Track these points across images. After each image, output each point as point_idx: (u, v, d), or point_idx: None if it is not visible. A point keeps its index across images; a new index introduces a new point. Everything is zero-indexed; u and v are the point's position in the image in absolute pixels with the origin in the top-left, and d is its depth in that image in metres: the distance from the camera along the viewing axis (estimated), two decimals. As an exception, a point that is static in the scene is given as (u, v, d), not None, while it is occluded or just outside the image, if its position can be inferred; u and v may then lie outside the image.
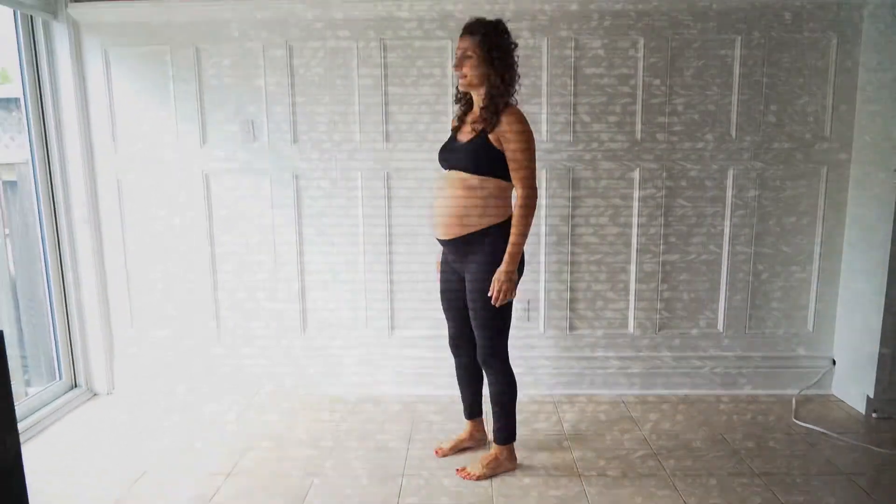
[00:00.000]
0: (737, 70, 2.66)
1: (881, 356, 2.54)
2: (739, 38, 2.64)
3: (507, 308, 2.08)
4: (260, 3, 2.63)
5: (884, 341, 2.53)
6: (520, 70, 2.09)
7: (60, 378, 2.86)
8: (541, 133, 2.67)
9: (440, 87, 2.69)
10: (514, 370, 2.18)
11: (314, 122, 2.74)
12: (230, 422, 2.63)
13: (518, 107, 2.03)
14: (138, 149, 2.79)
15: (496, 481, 2.14)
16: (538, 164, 2.08)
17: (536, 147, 2.02)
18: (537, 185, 2.03)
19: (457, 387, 2.37)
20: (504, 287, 1.99)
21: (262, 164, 2.77)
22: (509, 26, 2.10)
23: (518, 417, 2.24)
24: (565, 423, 2.59)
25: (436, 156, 2.16)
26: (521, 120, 1.97)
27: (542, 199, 2.70)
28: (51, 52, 2.68)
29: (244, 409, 2.75)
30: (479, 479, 2.15)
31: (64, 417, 2.68)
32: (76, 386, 2.91)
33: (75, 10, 2.66)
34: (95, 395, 2.92)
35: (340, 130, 2.74)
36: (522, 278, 2.10)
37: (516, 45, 2.03)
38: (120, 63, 2.73)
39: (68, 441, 2.47)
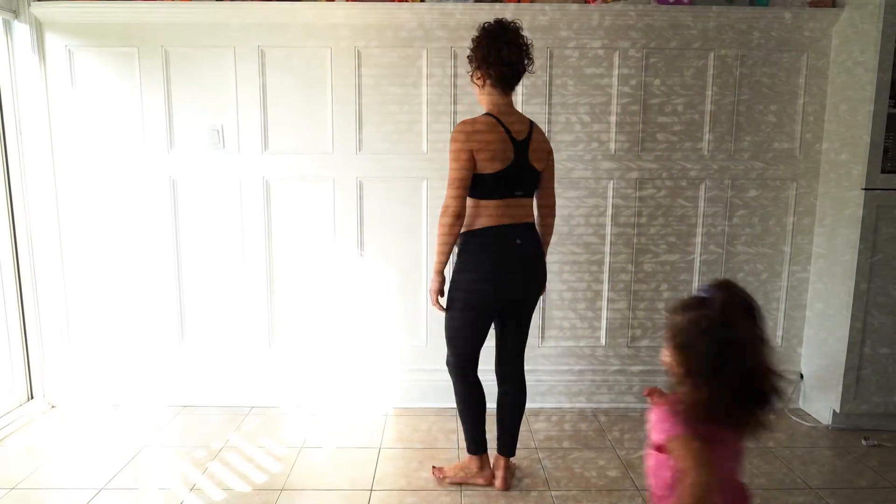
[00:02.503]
0: (710, 87, 2.69)
1: (847, 371, 2.56)
2: (712, 52, 2.67)
3: (458, 319, 2.14)
4: (231, 5, 2.58)
5: (850, 356, 2.56)
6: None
7: (15, 389, 2.75)
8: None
9: (441, 88, 2.67)
10: (483, 383, 2.16)
11: (285, 128, 2.69)
12: (187, 437, 2.55)
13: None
14: (102, 152, 2.70)
15: (466, 495, 2.10)
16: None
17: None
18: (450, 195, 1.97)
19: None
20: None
21: (231, 170, 2.71)
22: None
23: (488, 429, 2.20)
24: (537, 435, 2.56)
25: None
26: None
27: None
28: (11, 52, 2.60)
29: (197, 422, 2.67)
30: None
31: (19, 430, 2.57)
32: (32, 398, 2.80)
33: (38, 10, 2.58)
34: (53, 407, 2.82)
35: (312, 138, 2.70)
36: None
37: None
38: (85, 64, 2.65)
39: (19, 455, 2.37)
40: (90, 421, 2.68)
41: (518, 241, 2.01)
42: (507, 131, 1.97)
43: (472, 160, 1.93)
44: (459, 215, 1.96)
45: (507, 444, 2.18)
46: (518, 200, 2.02)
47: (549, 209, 2.16)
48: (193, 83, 2.66)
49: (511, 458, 2.22)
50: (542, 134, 2.10)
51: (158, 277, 2.78)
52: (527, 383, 2.78)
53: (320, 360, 2.84)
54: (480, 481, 2.17)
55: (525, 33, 2.00)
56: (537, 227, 2.12)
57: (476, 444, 2.16)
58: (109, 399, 2.84)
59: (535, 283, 2.10)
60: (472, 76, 2.05)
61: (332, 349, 2.83)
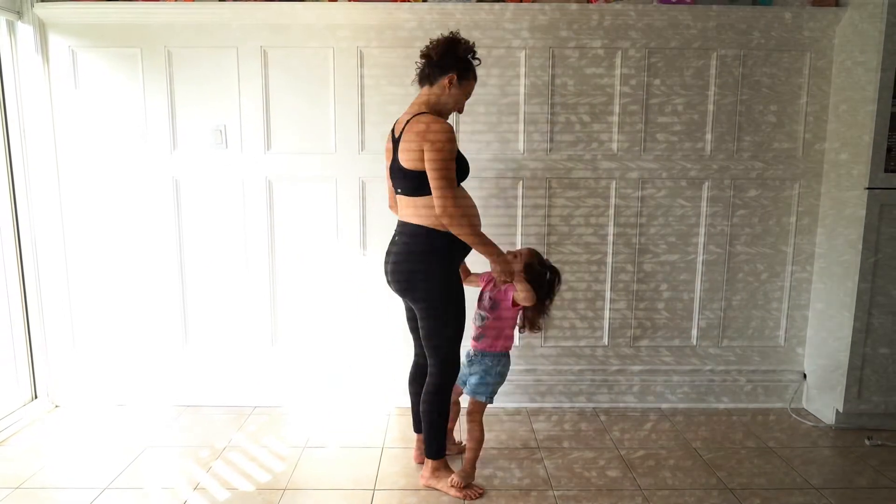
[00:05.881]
0: (710, 87, 2.69)
1: (850, 371, 2.57)
2: (715, 53, 2.67)
3: None
4: (233, 6, 2.58)
5: (852, 356, 2.56)
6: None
7: (19, 389, 2.77)
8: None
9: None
10: None
11: (288, 128, 2.70)
12: (191, 436, 2.56)
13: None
14: (106, 153, 2.71)
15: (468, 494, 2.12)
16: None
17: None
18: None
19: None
20: None
21: (234, 170, 2.72)
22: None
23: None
24: (538, 435, 2.57)
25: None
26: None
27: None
28: (15, 53, 2.61)
29: (201, 422, 2.69)
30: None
31: (23, 430, 2.59)
32: (36, 398, 2.82)
33: (42, 10, 2.59)
34: (57, 406, 2.83)
35: (314, 138, 2.71)
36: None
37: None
38: (88, 65, 2.66)
39: (23, 454, 2.38)
40: (94, 421, 2.69)
41: (395, 237, 2.14)
42: (392, 129, 2.11)
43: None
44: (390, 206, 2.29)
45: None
46: (400, 198, 2.10)
47: (439, 212, 1.95)
48: (196, 83, 2.67)
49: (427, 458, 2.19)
50: (418, 128, 1.94)
51: (162, 277, 2.79)
52: (528, 383, 2.82)
53: (323, 359, 2.85)
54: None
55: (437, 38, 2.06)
56: None
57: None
58: (113, 399, 2.85)
59: (395, 280, 2.10)
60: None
61: (334, 348, 2.84)
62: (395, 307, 2.80)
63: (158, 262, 2.78)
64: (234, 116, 2.69)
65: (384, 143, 2.68)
